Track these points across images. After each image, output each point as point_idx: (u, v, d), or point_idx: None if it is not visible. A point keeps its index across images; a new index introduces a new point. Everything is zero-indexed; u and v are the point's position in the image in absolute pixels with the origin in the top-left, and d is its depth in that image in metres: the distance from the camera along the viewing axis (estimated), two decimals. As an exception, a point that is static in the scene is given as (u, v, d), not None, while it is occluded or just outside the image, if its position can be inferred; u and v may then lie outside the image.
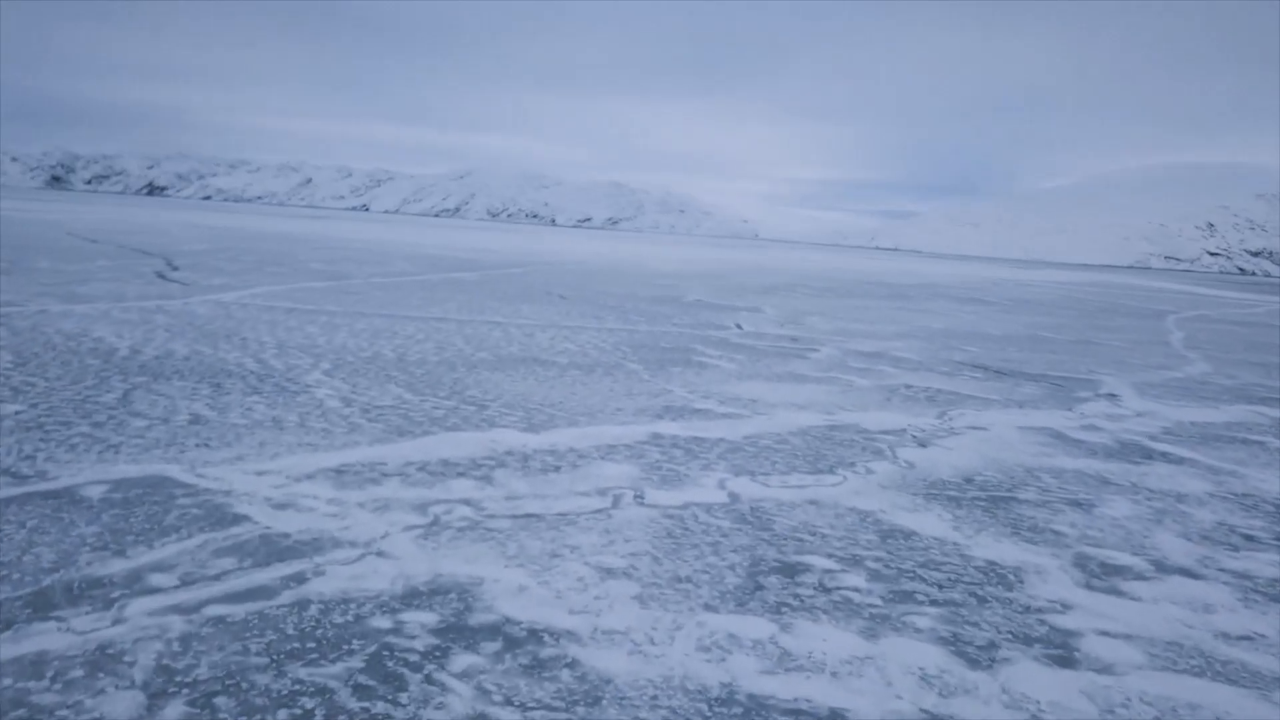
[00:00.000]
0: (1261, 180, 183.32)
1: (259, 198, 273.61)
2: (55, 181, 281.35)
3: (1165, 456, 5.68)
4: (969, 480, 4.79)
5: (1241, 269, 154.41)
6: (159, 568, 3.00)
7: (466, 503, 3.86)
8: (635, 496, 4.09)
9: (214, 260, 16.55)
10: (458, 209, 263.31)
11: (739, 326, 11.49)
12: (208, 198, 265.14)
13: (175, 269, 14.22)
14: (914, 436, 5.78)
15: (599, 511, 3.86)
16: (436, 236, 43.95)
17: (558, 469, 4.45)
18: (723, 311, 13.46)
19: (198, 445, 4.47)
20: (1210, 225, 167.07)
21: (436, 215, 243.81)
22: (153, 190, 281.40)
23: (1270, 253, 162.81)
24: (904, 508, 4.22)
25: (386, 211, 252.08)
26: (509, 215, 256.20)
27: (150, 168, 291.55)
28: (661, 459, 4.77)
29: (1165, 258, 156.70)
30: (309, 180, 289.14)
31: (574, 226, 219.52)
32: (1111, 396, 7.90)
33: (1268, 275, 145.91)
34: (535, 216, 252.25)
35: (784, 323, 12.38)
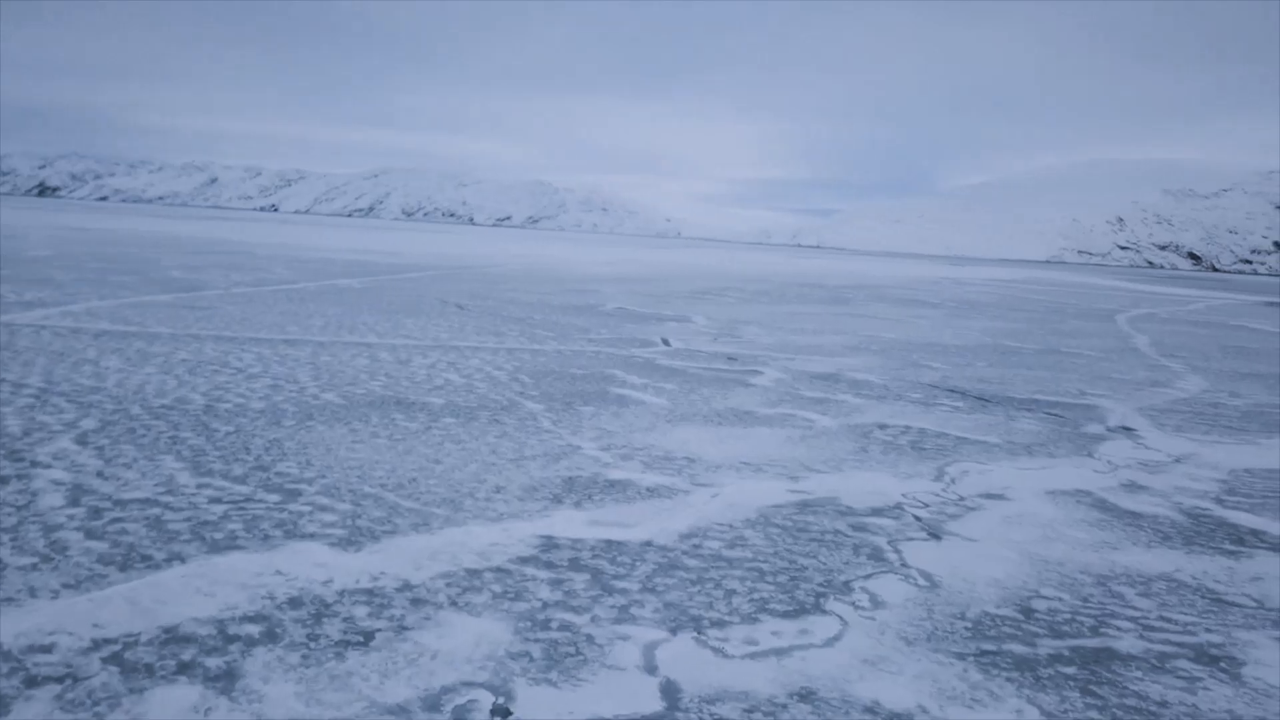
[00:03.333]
0: (1169, 175, 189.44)
1: (160, 198, 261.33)
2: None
3: (1260, 538, 4.09)
4: (1026, 611, 3.09)
5: (1150, 262, 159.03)
6: None
7: (155, 762, 1.99)
8: (494, 713, 2.27)
9: (47, 270, 14.11)
10: (371, 208, 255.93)
11: (666, 342, 9.74)
12: (104, 198, 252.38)
13: (-9, 280, 11.85)
14: (917, 517, 4.09)
15: (416, 768, 2.03)
16: (340, 238, 41.31)
17: (365, 642, 2.60)
18: (647, 322, 11.70)
19: None
20: (1120, 220, 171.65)
21: (349, 215, 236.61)
22: (44, 191, 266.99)
23: (1177, 246, 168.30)
24: (955, 696, 2.49)
25: (297, 212, 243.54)
26: (425, 214, 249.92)
27: (41, 167, 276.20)
28: (551, 599, 2.96)
29: (1079, 252, 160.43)
30: (214, 180, 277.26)
31: (493, 225, 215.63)
32: (1127, 431, 6.37)
33: (1175, 268, 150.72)
34: (453, 215, 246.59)
35: (718, 335, 10.67)
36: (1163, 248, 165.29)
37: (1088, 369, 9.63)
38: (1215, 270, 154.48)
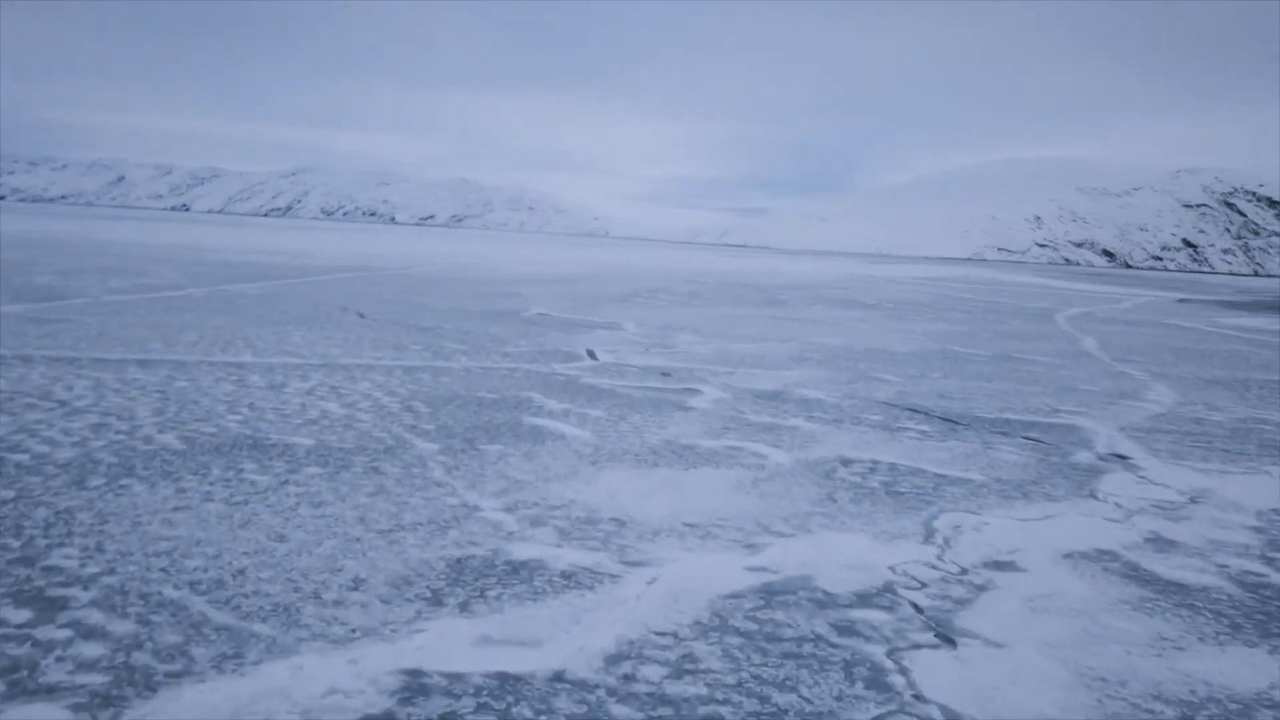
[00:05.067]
0: (1082, 174, 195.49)
1: (63, 197, 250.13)
2: None
3: (1344, 621, 3.22)
4: (1107, 781, 2.13)
5: (1067, 259, 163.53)
6: None
7: None
8: None
9: (-112, 274, 12.43)
10: (289, 207, 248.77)
11: (593, 355, 8.68)
12: (0, 198, 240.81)
13: None
14: (916, 606, 3.12)
15: None
16: (250, 238, 39.27)
17: None
18: (573, 331, 10.63)
19: None
20: (1037, 218, 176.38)
21: (266, 215, 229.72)
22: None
23: (1092, 243, 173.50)
24: None
25: (210, 211, 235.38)
26: (345, 214, 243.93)
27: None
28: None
29: (999, 249, 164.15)
30: (122, 178, 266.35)
31: (415, 225, 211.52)
32: (1122, 460, 5.53)
33: (1090, 265, 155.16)
34: (374, 215, 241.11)
35: (650, 345, 9.65)
36: (1078, 245, 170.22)
37: (1048, 378, 8.87)
38: (1129, 267, 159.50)
